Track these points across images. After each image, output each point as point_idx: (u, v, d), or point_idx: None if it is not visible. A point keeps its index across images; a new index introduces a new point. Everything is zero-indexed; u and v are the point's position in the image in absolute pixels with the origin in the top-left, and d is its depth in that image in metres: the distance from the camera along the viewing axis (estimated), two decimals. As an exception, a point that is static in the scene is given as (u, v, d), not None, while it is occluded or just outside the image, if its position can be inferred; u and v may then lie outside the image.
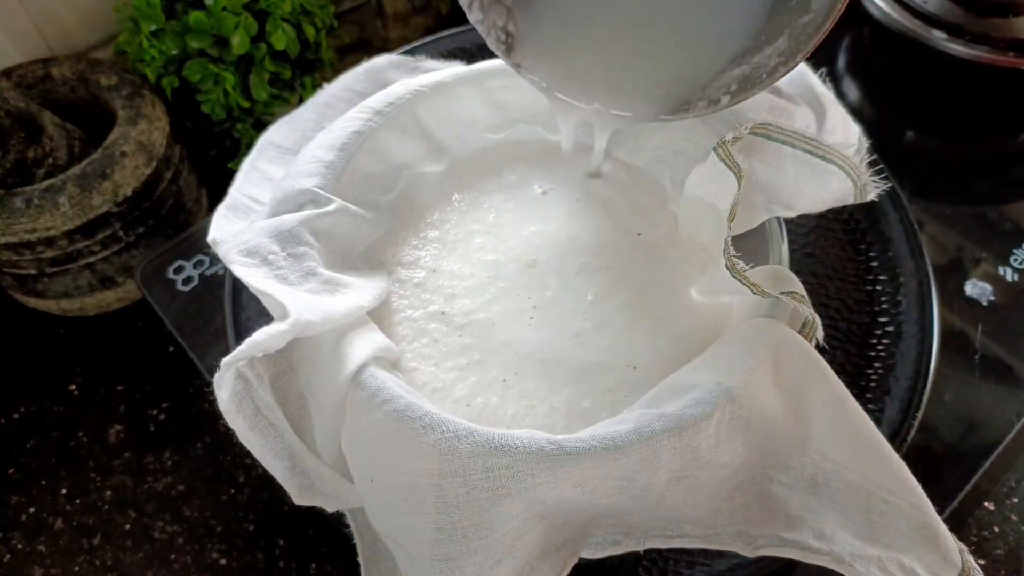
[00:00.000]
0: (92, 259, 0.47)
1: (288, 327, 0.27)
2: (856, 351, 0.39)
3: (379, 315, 0.35)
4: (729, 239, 0.30)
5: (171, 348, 0.50)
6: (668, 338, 0.34)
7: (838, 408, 0.29)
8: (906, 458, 0.29)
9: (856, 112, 0.61)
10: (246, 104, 0.53)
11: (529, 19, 0.34)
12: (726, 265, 0.30)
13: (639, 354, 0.33)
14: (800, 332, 0.30)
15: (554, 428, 0.31)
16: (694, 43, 0.33)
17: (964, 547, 0.28)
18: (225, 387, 0.28)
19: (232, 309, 0.40)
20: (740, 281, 0.29)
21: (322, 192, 0.34)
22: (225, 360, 0.27)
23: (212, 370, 0.28)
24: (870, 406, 0.37)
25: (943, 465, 0.42)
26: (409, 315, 0.35)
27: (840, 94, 0.63)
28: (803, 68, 0.39)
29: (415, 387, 0.31)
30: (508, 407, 0.32)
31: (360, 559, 0.31)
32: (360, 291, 0.33)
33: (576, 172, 0.41)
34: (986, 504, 0.44)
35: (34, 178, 0.46)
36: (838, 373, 0.29)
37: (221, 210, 0.37)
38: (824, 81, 0.38)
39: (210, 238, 0.34)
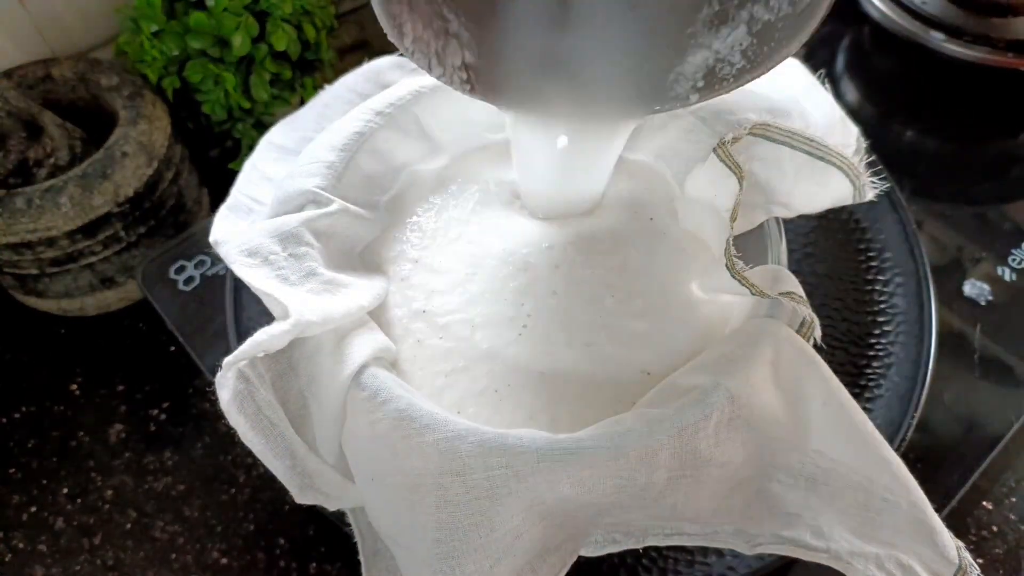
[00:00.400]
0: (93, 259, 0.47)
1: (289, 327, 0.27)
2: (855, 351, 0.39)
3: (375, 314, 0.34)
4: (731, 239, 0.30)
5: (172, 348, 0.50)
6: (685, 339, 0.33)
7: (837, 407, 0.29)
8: (905, 457, 0.29)
9: (855, 112, 0.61)
10: (247, 104, 0.53)
11: (479, 38, 0.33)
12: (726, 265, 0.30)
13: (653, 359, 0.33)
14: (798, 332, 0.30)
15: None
16: (642, 27, 0.32)
17: (961, 544, 0.28)
18: (227, 387, 0.28)
19: (233, 309, 0.40)
20: (739, 281, 0.30)
21: (323, 192, 0.34)
22: (227, 360, 0.27)
23: (213, 370, 0.28)
24: (869, 405, 0.37)
25: (942, 465, 0.42)
26: (396, 314, 0.35)
27: (839, 95, 0.63)
28: (801, 69, 0.39)
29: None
30: (504, 417, 0.32)
31: (361, 558, 0.31)
32: (360, 291, 0.33)
33: None
34: (985, 504, 0.44)
35: (35, 178, 0.46)
36: (837, 373, 0.29)
37: (223, 211, 0.37)
38: (823, 82, 0.38)
39: (212, 239, 0.34)
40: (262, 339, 0.27)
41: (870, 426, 0.29)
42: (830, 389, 0.29)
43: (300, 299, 0.29)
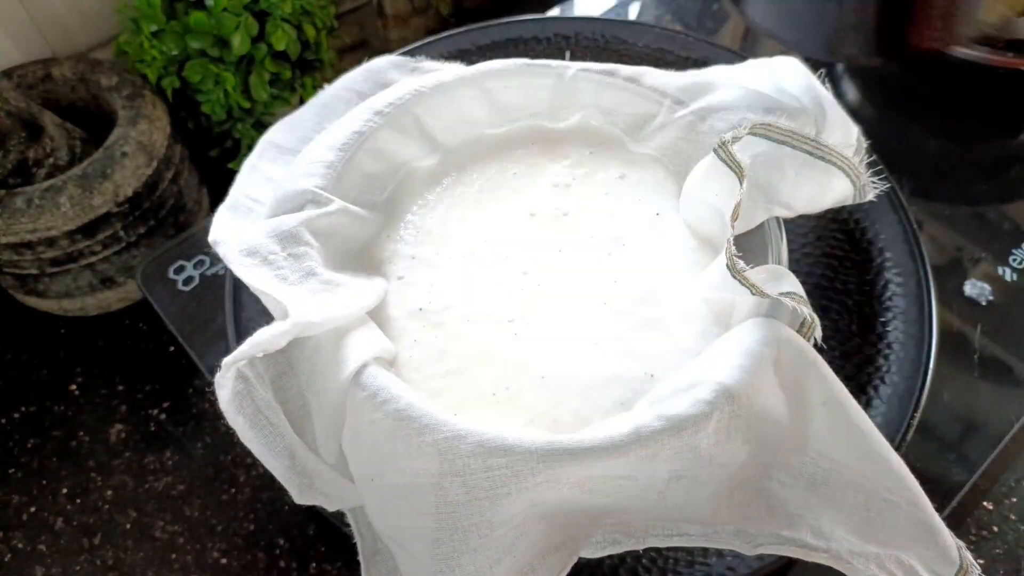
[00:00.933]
0: (93, 259, 0.47)
1: (289, 327, 0.27)
2: (855, 351, 0.39)
3: (373, 314, 0.34)
4: (731, 239, 0.30)
5: (172, 348, 0.50)
6: (686, 338, 0.33)
7: (837, 407, 0.29)
8: (905, 457, 0.29)
9: (855, 112, 0.61)
10: (246, 104, 0.53)
11: None
12: (727, 265, 0.30)
13: (656, 358, 0.33)
14: (799, 332, 0.30)
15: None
16: None
17: (962, 544, 0.28)
18: (226, 387, 0.28)
19: (233, 309, 0.40)
20: (740, 281, 0.30)
21: (323, 192, 0.34)
22: (226, 360, 0.27)
23: (213, 370, 0.28)
24: (869, 405, 0.37)
25: (942, 465, 0.42)
26: (392, 313, 0.35)
27: (839, 94, 0.63)
28: (802, 69, 0.39)
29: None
30: (504, 421, 0.31)
31: (360, 558, 0.31)
32: (360, 290, 0.33)
33: (575, 151, 0.40)
34: (985, 504, 0.44)
35: (35, 178, 0.46)
36: (837, 373, 0.29)
37: (222, 210, 0.37)
38: (823, 82, 0.38)
39: (211, 238, 0.34)
40: (261, 339, 0.27)
41: (870, 425, 0.29)
42: (831, 389, 0.29)
43: (300, 299, 0.29)
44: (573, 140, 0.41)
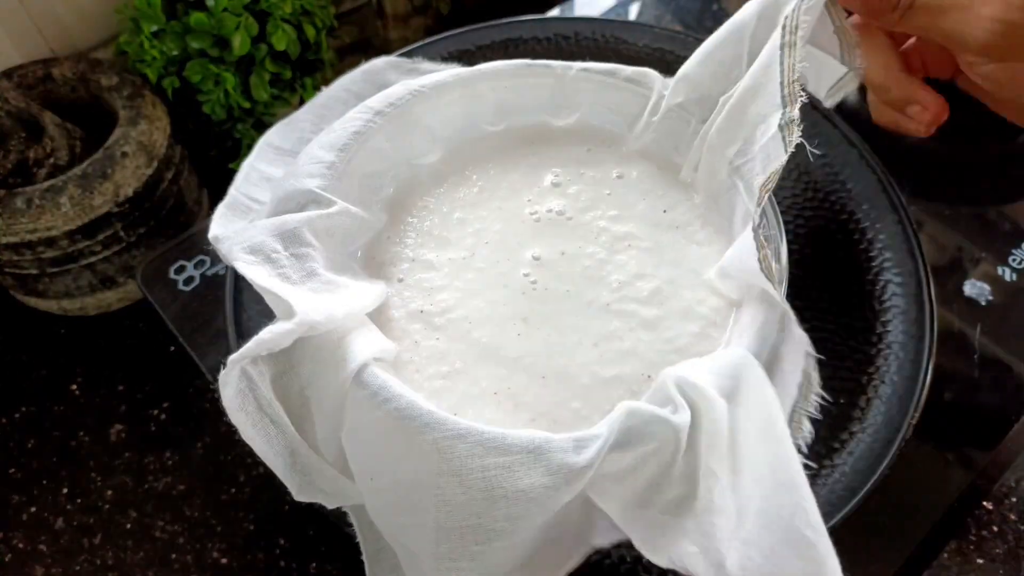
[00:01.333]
0: (93, 259, 0.47)
1: (294, 326, 0.27)
2: (855, 350, 0.39)
3: (373, 316, 0.34)
4: (758, 213, 0.30)
5: (172, 348, 0.50)
6: (685, 339, 0.33)
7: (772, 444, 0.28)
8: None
9: (855, 112, 0.61)
10: (247, 104, 0.53)
11: None
12: (759, 259, 0.30)
13: (656, 359, 0.33)
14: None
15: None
16: None
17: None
18: (230, 384, 0.28)
19: (233, 309, 0.40)
20: (764, 274, 0.30)
21: (324, 193, 0.34)
22: (232, 357, 0.27)
23: (213, 370, 0.28)
24: (869, 405, 0.37)
25: (942, 465, 0.42)
26: (393, 315, 0.35)
27: (839, 95, 0.63)
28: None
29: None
30: (504, 421, 0.32)
31: (364, 557, 0.31)
32: (360, 292, 0.33)
33: (574, 150, 0.40)
34: (985, 504, 0.44)
35: (35, 178, 0.46)
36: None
37: (221, 209, 0.37)
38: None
39: (211, 235, 0.34)
40: (267, 338, 0.27)
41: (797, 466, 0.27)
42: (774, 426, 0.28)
43: (304, 298, 0.29)
44: (573, 140, 0.41)
